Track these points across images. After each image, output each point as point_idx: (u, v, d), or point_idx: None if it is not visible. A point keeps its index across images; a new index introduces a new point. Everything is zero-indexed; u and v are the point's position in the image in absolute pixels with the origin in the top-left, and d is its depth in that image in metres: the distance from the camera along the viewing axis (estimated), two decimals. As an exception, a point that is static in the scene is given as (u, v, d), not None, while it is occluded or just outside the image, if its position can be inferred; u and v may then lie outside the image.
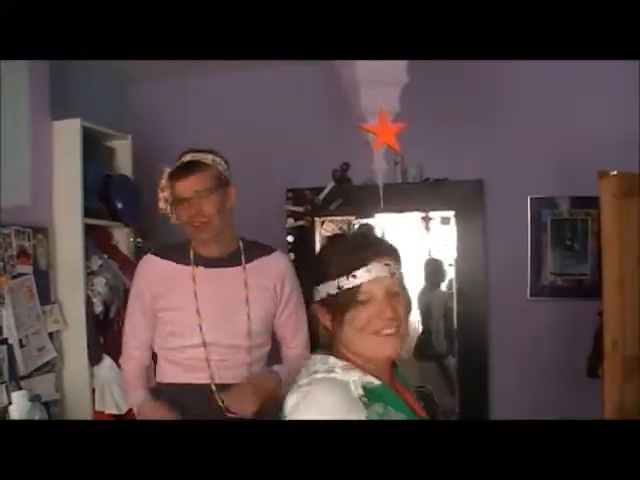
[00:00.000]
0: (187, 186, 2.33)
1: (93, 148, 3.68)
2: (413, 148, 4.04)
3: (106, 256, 3.69)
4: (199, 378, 2.35)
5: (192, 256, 2.42)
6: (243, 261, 2.43)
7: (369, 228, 4.38)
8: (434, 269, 5.22)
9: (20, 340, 3.14)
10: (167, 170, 2.45)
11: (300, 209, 4.31)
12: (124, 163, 3.93)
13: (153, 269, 2.46)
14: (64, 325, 3.44)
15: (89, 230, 3.57)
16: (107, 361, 3.47)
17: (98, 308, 3.48)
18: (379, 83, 2.61)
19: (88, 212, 3.53)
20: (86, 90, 4.15)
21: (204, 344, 2.33)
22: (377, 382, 1.51)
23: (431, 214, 4.87)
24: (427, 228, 5.59)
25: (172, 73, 4.62)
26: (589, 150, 4.03)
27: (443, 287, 5.19)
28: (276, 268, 2.48)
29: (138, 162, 3.98)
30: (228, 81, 4.72)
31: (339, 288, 1.51)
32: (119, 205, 3.77)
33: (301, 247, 4.32)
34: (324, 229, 4.66)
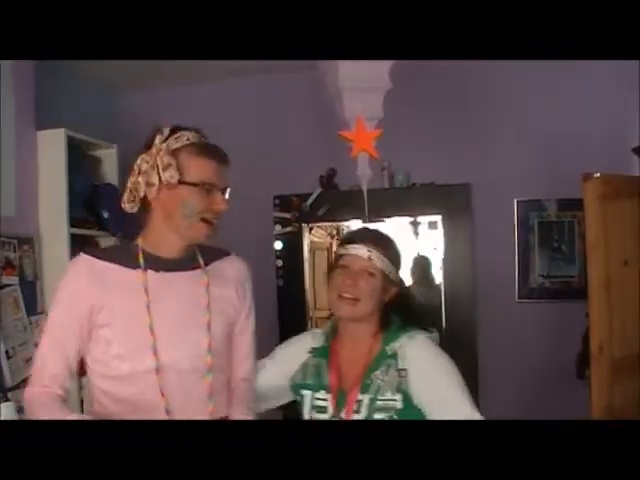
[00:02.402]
0: (218, 171, 1.85)
1: (79, 158, 3.67)
2: (400, 153, 4.07)
3: (93, 266, 3.66)
4: (153, 414, 1.78)
5: (141, 257, 1.86)
6: (202, 263, 1.93)
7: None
8: (421, 268, 5.20)
9: (7, 351, 3.13)
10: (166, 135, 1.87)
11: (287, 215, 4.31)
12: (110, 172, 3.91)
13: (89, 273, 1.84)
14: (51, 336, 3.41)
15: (76, 240, 3.55)
16: (95, 371, 3.44)
17: (85, 318, 3.45)
18: (362, 90, 2.62)
19: (74, 222, 3.52)
20: (71, 100, 4.14)
21: (158, 369, 1.80)
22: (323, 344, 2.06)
23: (419, 219, 4.87)
24: (416, 233, 5.61)
25: (157, 82, 4.63)
26: (576, 153, 4.05)
27: (431, 288, 5.18)
28: (237, 272, 2.02)
29: (124, 171, 3.96)
30: (213, 89, 4.73)
31: (335, 253, 2.11)
32: (105, 215, 3.75)
33: (289, 254, 4.33)
34: (312, 235, 4.66)
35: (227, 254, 2.04)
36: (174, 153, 1.83)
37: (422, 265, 5.20)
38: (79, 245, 3.61)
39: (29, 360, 3.26)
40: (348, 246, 2.00)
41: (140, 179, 1.86)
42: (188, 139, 1.86)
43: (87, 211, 3.70)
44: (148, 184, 1.84)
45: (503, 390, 4.11)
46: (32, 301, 3.34)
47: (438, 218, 4.35)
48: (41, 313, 3.38)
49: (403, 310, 2.04)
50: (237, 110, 4.67)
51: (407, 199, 4.26)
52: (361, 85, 2.58)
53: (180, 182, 1.80)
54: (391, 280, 2.00)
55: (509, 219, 4.37)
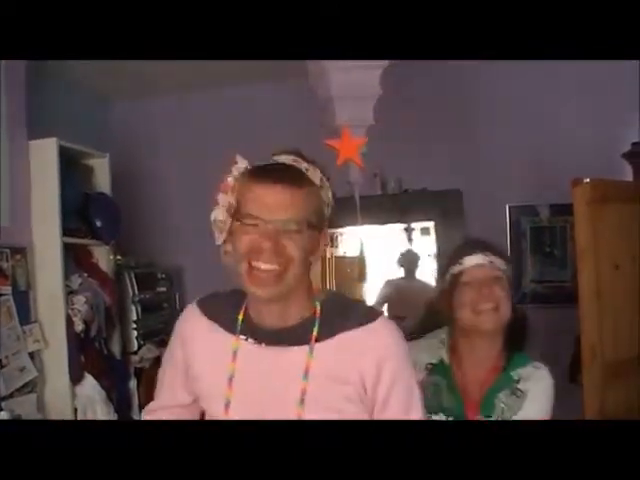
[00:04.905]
0: (277, 199, 1.38)
1: (71, 167, 3.67)
2: (391, 160, 4.08)
3: (86, 275, 3.67)
4: None
5: (240, 322, 1.52)
6: (313, 336, 1.44)
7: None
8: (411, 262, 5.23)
9: (0, 361, 3.13)
10: (242, 162, 1.49)
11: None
12: (103, 181, 3.92)
13: (191, 327, 1.60)
14: (45, 345, 3.41)
15: (68, 249, 3.55)
16: (89, 380, 3.45)
17: (79, 327, 3.46)
18: (352, 98, 2.63)
19: (67, 231, 3.52)
20: (63, 109, 4.15)
21: None
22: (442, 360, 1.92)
23: (412, 225, 4.90)
24: (410, 239, 5.63)
25: (149, 91, 4.64)
26: (567, 158, 4.07)
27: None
28: (372, 349, 1.43)
29: (116, 180, 3.98)
30: (206, 98, 4.74)
31: (447, 275, 1.96)
32: (98, 223, 3.75)
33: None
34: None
35: (372, 318, 1.46)
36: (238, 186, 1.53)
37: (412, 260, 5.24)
38: (72, 254, 3.63)
39: (22, 369, 3.27)
40: (463, 259, 1.91)
41: None
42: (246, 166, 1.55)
43: (80, 220, 3.71)
44: None
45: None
46: (25, 310, 3.34)
47: (431, 224, 4.37)
48: (34, 322, 3.38)
49: (520, 332, 1.96)
50: (229, 119, 4.68)
51: (399, 205, 4.28)
52: (351, 93, 2.60)
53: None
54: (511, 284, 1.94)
55: (501, 224, 4.38)
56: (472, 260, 1.89)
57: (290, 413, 1.40)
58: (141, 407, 3.89)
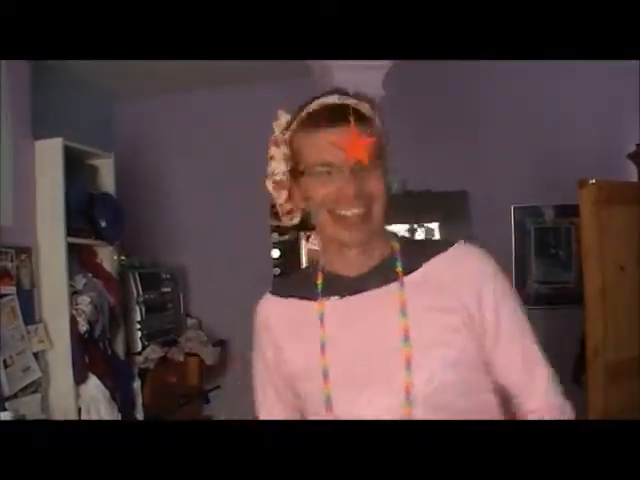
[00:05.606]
0: (345, 140, 1.30)
1: (76, 167, 3.68)
2: (395, 161, 4.08)
3: (90, 275, 3.68)
4: None
5: (320, 282, 1.42)
6: (400, 272, 1.37)
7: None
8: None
9: (4, 361, 3.13)
10: (284, 116, 1.44)
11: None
12: (107, 181, 3.93)
13: (270, 317, 1.49)
14: (49, 345, 3.42)
15: (73, 249, 3.56)
16: (93, 380, 3.46)
17: (83, 327, 3.47)
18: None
19: (71, 231, 3.53)
20: (69, 109, 4.15)
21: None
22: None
23: (416, 226, 4.89)
24: (414, 240, 5.63)
25: (154, 91, 4.64)
26: (572, 159, 4.07)
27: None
28: (466, 270, 1.37)
29: (121, 180, 3.98)
30: (210, 97, 4.75)
31: None
32: (103, 224, 3.76)
33: (286, 261, 4.33)
34: (310, 243, 4.66)
35: (450, 244, 1.41)
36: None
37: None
38: (76, 254, 3.63)
39: (26, 369, 3.27)
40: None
41: None
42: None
43: (84, 220, 3.71)
44: None
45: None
46: (29, 310, 3.35)
47: (435, 225, 4.37)
48: (39, 322, 3.39)
49: None
50: (233, 118, 4.68)
51: (404, 206, 4.27)
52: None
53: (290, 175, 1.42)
54: None
55: (506, 225, 4.38)
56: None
57: (397, 356, 1.30)
58: (145, 407, 3.90)
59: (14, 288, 3.25)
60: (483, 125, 4.42)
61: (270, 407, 1.52)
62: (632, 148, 3.89)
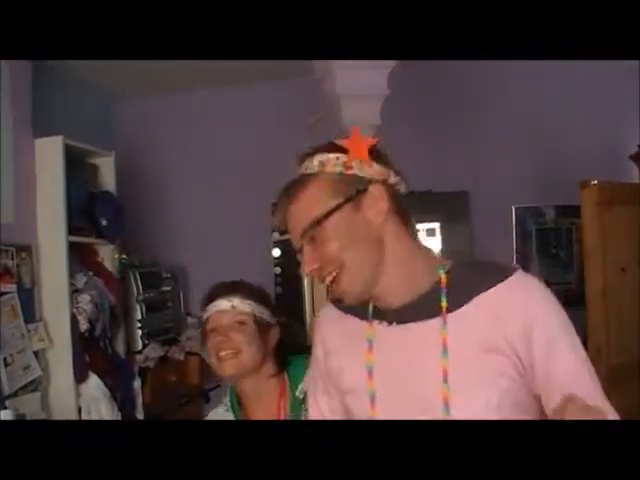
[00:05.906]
0: None
1: (76, 165, 3.67)
2: (396, 160, 4.07)
3: (91, 273, 3.67)
4: None
5: (371, 306, 1.41)
6: (443, 307, 1.31)
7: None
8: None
9: (5, 359, 3.12)
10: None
11: (285, 223, 4.31)
12: (108, 180, 3.91)
13: (327, 324, 1.54)
14: (49, 343, 3.41)
15: (73, 247, 3.55)
16: (93, 379, 3.45)
17: (83, 326, 3.46)
18: (360, 97, 2.63)
19: (72, 229, 3.51)
20: (69, 108, 4.15)
21: None
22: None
23: (417, 226, 4.89)
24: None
25: (154, 90, 4.64)
26: (574, 160, 4.07)
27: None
28: (517, 305, 1.28)
29: (122, 179, 3.98)
30: (211, 97, 4.74)
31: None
32: (103, 222, 3.75)
33: (287, 261, 4.33)
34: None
35: (505, 275, 1.31)
36: None
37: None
38: (77, 252, 3.63)
39: (27, 367, 3.27)
40: (208, 306, 1.93)
41: None
42: None
43: (85, 219, 3.70)
44: None
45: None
46: (30, 309, 3.34)
47: (436, 225, 4.36)
48: (39, 321, 3.38)
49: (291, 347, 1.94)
50: (234, 118, 4.68)
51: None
52: (358, 92, 2.59)
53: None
54: (267, 322, 1.92)
55: (507, 226, 4.37)
56: (213, 307, 1.92)
57: (435, 396, 1.28)
58: (145, 406, 3.89)
59: (14, 286, 3.24)
60: (484, 125, 4.42)
61: (319, 398, 1.57)
62: (634, 149, 3.89)
